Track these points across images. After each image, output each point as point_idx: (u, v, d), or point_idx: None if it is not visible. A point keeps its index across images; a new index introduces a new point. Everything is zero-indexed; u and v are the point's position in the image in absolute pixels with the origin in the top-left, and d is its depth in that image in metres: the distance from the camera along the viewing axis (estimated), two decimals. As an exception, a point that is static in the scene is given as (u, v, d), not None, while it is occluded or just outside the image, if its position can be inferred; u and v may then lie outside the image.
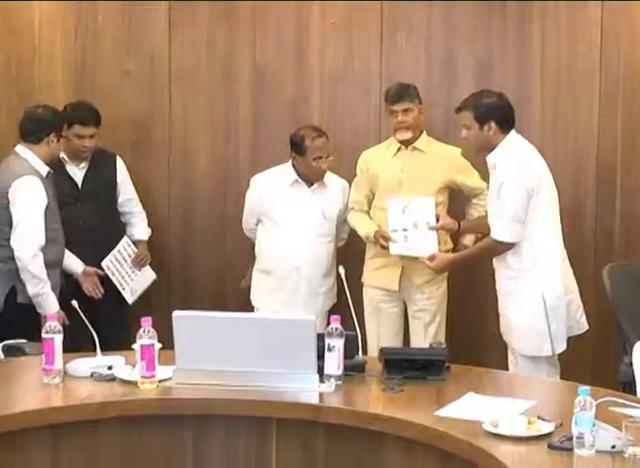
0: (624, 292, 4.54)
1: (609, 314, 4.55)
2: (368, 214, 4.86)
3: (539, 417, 2.88)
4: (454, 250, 4.75)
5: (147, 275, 5.21)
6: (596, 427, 2.64)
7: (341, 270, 3.86)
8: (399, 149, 4.78)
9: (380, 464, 3.14)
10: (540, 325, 4.14)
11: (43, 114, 4.60)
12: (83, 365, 3.48)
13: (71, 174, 5.00)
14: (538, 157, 4.29)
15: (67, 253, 4.76)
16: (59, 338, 3.38)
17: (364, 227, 4.80)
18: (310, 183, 4.85)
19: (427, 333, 4.74)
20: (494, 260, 4.31)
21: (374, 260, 4.85)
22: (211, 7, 5.32)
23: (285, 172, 4.85)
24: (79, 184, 5.01)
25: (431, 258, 4.45)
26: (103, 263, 4.96)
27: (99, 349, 3.56)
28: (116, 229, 5.13)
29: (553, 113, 5.18)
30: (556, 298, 4.16)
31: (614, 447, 2.65)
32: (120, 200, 5.13)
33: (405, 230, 4.55)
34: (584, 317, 4.35)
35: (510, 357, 4.27)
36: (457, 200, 4.89)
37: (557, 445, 2.70)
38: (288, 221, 4.84)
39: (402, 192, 4.69)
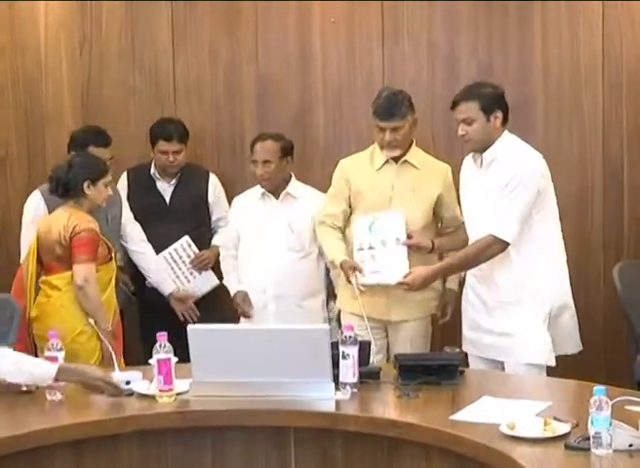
0: (636, 290, 4.54)
1: (620, 313, 4.56)
2: (341, 230, 4.44)
3: (555, 418, 2.89)
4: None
5: (209, 279, 5.04)
6: (613, 426, 2.65)
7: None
8: (386, 162, 4.37)
9: (398, 470, 3.16)
10: (545, 333, 3.93)
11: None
12: (101, 380, 3.50)
13: (161, 190, 5.01)
14: (539, 153, 4.08)
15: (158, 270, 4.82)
16: (61, 355, 3.43)
17: (333, 250, 4.37)
18: (277, 195, 4.64)
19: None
20: (494, 271, 3.99)
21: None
22: (212, 20, 5.35)
23: (256, 187, 4.72)
24: (167, 201, 5.00)
25: (406, 275, 4.11)
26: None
27: (116, 365, 3.59)
28: (205, 247, 5.03)
29: (557, 112, 5.19)
30: (561, 307, 3.97)
31: (631, 445, 2.65)
32: (213, 218, 5.06)
33: (371, 248, 4.23)
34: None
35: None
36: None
37: (574, 445, 2.71)
38: (255, 236, 4.64)
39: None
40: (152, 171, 5.01)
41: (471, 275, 4.13)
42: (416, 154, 4.41)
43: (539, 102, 5.14)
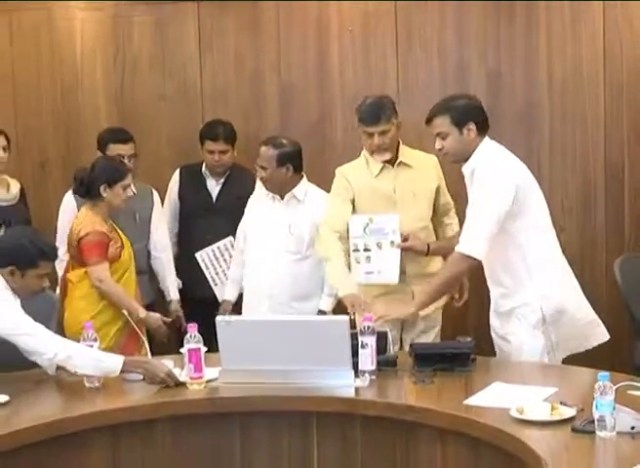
0: (635, 283, 4.53)
1: (621, 305, 4.55)
2: (343, 237, 4.20)
3: (561, 403, 2.89)
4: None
5: None
6: (616, 410, 2.65)
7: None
8: (383, 168, 4.22)
9: (415, 452, 3.16)
10: (539, 340, 3.67)
11: None
12: (135, 369, 3.52)
13: (209, 188, 4.99)
14: (518, 161, 3.77)
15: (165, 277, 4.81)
16: (96, 345, 3.45)
17: (337, 278, 4.14)
18: (281, 196, 4.44)
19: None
20: (487, 280, 3.80)
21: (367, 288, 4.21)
22: (237, 31, 5.36)
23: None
24: (214, 198, 4.99)
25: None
26: (198, 254, 4.85)
27: (149, 354, 3.61)
28: None
29: (561, 115, 5.16)
30: (556, 312, 3.66)
31: (633, 428, 2.66)
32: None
33: (367, 250, 4.13)
34: (600, 328, 3.80)
35: None
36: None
37: (580, 428, 2.71)
38: (257, 235, 4.50)
39: (397, 212, 4.18)
40: (203, 169, 5.01)
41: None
42: (407, 153, 4.27)
43: (544, 106, 5.12)
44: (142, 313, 4.23)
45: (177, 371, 3.44)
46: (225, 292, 4.73)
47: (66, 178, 5.24)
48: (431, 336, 4.33)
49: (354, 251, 4.15)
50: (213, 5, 5.36)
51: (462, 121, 3.68)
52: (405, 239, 4.13)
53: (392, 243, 4.11)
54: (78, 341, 3.46)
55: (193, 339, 3.34)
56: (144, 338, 3.77)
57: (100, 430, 3.18)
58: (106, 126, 5.16)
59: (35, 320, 3.46)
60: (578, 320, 3.72)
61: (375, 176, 4.24)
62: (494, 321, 3.80)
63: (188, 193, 5.04)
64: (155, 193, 4.88)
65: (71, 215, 4.53)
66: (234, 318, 3.53)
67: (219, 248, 4.88)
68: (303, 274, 4.41)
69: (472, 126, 3.69)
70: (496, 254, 3.67)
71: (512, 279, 3.70)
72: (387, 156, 4.19)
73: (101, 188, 4.26)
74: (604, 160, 5.15)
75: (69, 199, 4.70)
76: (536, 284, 3.66)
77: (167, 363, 3.53)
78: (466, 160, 3.74)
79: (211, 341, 3.49)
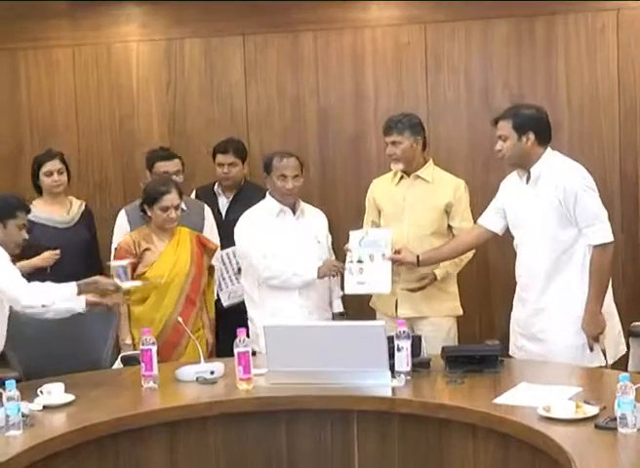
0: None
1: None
2: None
3: (585, 402, 2.87)
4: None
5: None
6: (637, 408, 2.63)
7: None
8: (402, 178, 4.29)
9: (448, 447, 3.14)
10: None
11: None
12: (189, 371, 3.52)
13: (220, 205, 4.92)
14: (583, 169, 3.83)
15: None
16: (154, 349, 3.44)
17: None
18: (293, 211, 4.30)
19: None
20: (556, 275, 3.73)
21: None
22: (279, 61, 5.40)
23: (267, 204, 4.32)
24: (223, 215, 4.90)
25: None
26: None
27: (202, 356, 3.61)
28: None
29: (579, 135, 5.16)
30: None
31: (653, 425, 2.63)
32: None
33: (360, 262, 4.09)
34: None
35: None
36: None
37: (603, 425, 2.69)
38: (283, 252, 4.24)
39: (404, 220, 4.22)
40: (215, 187, 4.97)
41: None
42: (429, 171, 4.28)
43: (564, 127, 5.10)
44: (124, 341, 4.23)
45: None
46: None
47: (124, 197, 5.32)
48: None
49: (349, 262, 4.12)
50: (256, 38, 5.41)
51: (523, 128, 3.70)
52: (397, 252, 4.09)
53: (383, 255, 4.07)
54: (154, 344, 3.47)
55: (242, 343, 3.35)
56: (198, 346, 3.73)
57: (157, 427, 3.19)
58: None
59: (94, 326, 3.52)
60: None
61: (395, 185, 4.31)
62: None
63: None
64: (207, 208, 4.80)
65: (123, 232, 4.52)
66: (280, 323, 3.54)
67: (227, 254, 4.75)
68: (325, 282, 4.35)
69: (532, 135, 3.70)
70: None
71: (582, 267, 3.71)
72: (399, 166, 4.23)
73: (145, 207, 4.30)
74: (619, 176, 5.12)
75: (122, 217, 4.66)
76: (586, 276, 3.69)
77: (218, 365, 3.54)
78: (521, 166, 3.78)
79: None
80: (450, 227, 4.29)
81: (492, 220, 4.00)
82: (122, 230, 4.58)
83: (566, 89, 5.15)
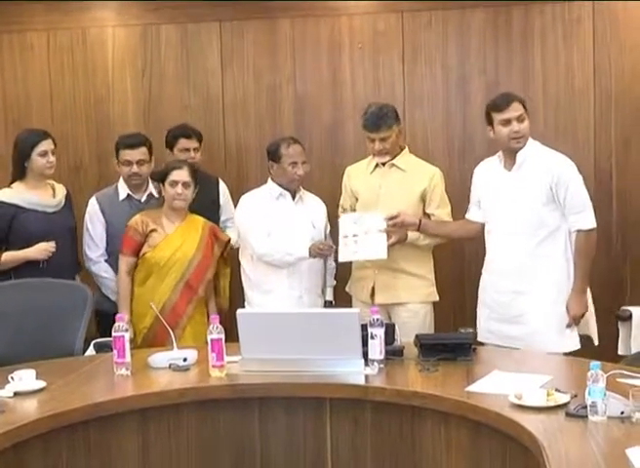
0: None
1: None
2: None
3: (556, 390, 2.88)
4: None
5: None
6: (607, 396, 2.64)
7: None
8: (376, 166, 4.34)
9: (420, 435, 3.15)
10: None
11: None
12: (162, 357, 3.51)
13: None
14: None
15: None
16: (127, 336, 3.41)
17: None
18: (292, 195, 4.39)
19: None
20: (543, 260, 3.85)
21: (355, 271, 4.44)
22: (255, 47, 5.36)
23: (268, 188, 4.42)
24: None
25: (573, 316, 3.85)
26: None
27: (175, 343, 3.59)
28: None
29: (554, 126, 5.16)
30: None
31: (622, 413, 2.65)
32: (222, 218, 4.87)
33: (355, 236, 4.13)
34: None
35: None
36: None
37: (573, 412, 2.71)
38: (280, 232, 4.34)
39: (379, 207, 4.24)
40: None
41: None
42: (405, 159, 4.33)
43: (539, 117, 5.10)
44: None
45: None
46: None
47: (99, 181, 5.27)
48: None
49: (344, 237, 4.16)
50: (233, 24, 5.37)
51: (526, 111, 3.83)
52: (396, 216, 4.13)
53: (379, 231, 4.11)
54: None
55: (215, 330, 3.34)
56: (171, 331, 3.73)
57: (129, 414, 3.17)
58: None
59: (66, 313, 3.48)
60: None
61: (370, 173, 4.36)
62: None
63: None
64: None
65: (93, 218, 4.57)
66: (253, 311, 3.52)
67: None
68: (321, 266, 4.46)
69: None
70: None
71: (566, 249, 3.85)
72: (387, 159, 4.28)
73: (161, 187, 4.36)
74: (593, 167, 5.12)
75: (92, 202, 4.65)
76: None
77: (191, 352, 3.53)
78: (519, 150, 3.85)
79: None
80: (426, 215, 4.31)
81: (479, 214, 4.09)
82: (94, 218, 4.58)
83: (542, 78, 5.15)
